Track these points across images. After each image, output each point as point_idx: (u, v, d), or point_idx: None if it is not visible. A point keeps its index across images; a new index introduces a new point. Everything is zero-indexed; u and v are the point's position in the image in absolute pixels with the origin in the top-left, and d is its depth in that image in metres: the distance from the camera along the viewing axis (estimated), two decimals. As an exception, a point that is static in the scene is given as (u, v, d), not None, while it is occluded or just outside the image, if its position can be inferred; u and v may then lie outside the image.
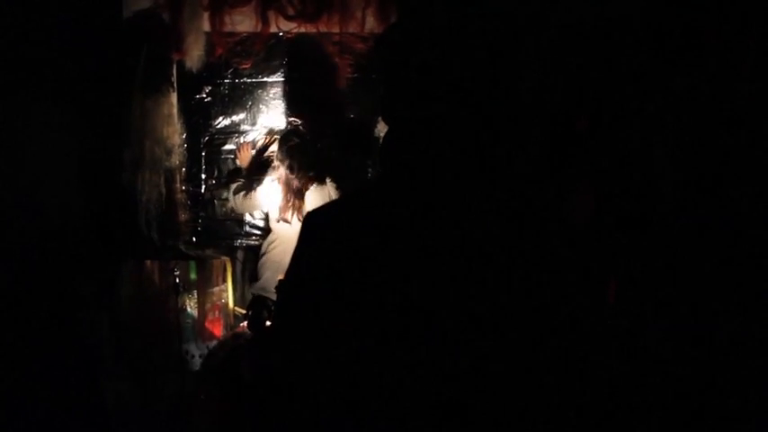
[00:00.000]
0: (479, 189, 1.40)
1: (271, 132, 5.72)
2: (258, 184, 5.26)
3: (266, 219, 5.54)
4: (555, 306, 1.36)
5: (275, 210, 5.16)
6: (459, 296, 1.33)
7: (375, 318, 1.35)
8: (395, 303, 1.34)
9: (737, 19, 2.70)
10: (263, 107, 5.73)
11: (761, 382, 2.68)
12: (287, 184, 5.06)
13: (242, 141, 5.69)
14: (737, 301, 2.75)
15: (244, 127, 5.73)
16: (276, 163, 5.16)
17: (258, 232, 5.74)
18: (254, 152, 5.63)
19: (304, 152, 5.10)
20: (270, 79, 5.72)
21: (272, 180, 5.17)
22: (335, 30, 5.50)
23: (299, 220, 5.08)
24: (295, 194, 5.07)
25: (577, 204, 3.17)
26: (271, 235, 5.26)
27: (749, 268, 2.74)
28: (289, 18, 5.36)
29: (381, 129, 5.56)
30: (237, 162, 5.59)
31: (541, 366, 1.34)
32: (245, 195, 5.25)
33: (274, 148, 5.47)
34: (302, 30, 5.52)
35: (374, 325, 1.35)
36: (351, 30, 5.49)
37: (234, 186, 5.34)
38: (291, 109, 5.73)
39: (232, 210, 5.57)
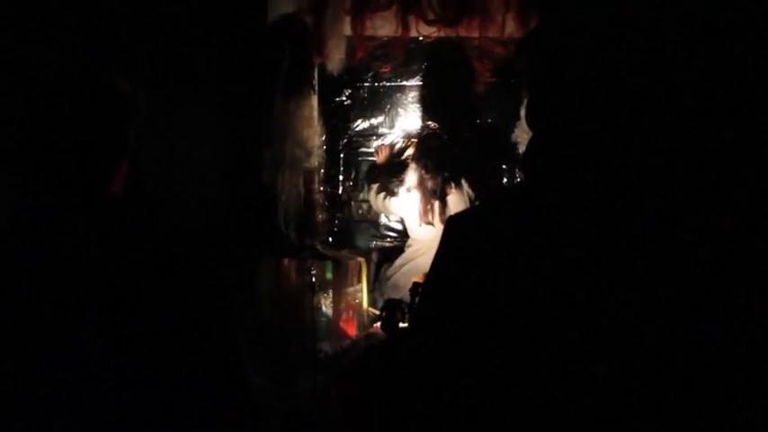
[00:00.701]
0: (626, 200, 1.35)
1: (409, 136, 5.75)
2: (397, 187, 5.31)
3: (403, 224, 5.58)
4: (703, 315, 1.31)
5: (415, 215, 5.19)
6: (604, 303, 1.29)
7: (518, 324, 1.32)
8: (537, 310, 1.31)
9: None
10: (401, 111, 5.78)
11: None
12: (423, 185, 5.09)
13: (381, 144, 5.75)
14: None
15: (382, 130, 5.79)
16: (412, 165, 5.19)
17: (393, 234, 5.79)
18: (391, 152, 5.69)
19: (442, 153, 5.13)
20: (409, 83, 5.76)
21: (408, 190, 5.21)
22: (475, 34, 5.47)
23: (441, 223, 5.10)
24: (433, 196, 5.09)
25: (722, 216, 3.04)
26: (413, 243, 5.31)
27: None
28: (429, 22, 5.37)
29: (519, 134, 5.51)
30: (377, 161, 5.66)
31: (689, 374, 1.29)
32: (385, 197, 5.32)
33: (411, 151, 5.52)
34: (442, 34, 5.53)
35: (517, 331, 1.32)
36: (490, 34, 5.44)
37: (375, 187, 5.41)
38: (429, 112, 5.75)
39: (368, 211, 5.64)
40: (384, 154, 5.62)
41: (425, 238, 5.14)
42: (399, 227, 5.76)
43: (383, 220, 5.78)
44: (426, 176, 5.09)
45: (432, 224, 5.08)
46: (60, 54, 3.19)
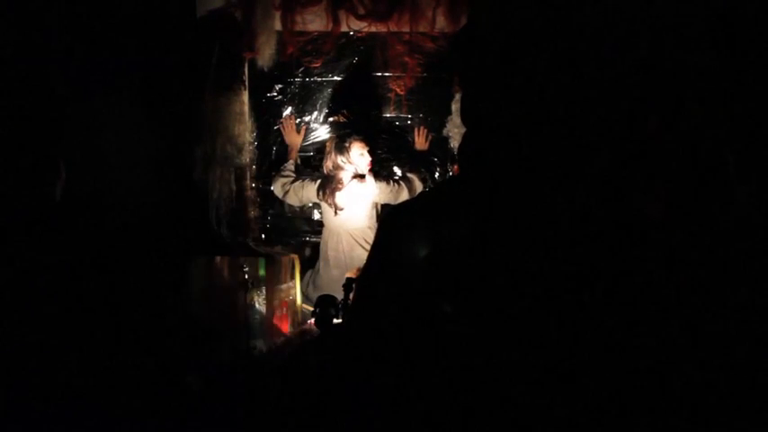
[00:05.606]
0: (560, 190, 1.38)
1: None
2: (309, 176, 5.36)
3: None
4: (635, 304, 1.34)
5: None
6: (542, 293, 1.31)
7: (456, 318, 1.33)
8: (476, 303, 1.33)
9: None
10: (332, 106, 5.76)
11: None
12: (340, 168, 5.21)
13: (285, 115, 5.74)
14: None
15: (313, 125, 5.77)
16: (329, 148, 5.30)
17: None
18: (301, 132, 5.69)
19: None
20: (340, 78, 5.75)
21: (327, 170, 5.27)
22: (406, 29, 5.49)
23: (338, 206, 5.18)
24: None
25: (648, 206, 3.10)
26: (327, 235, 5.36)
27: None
28: (359, 17, 5.37)
29: (450, 129, 5.55)
30: (284, 134, 5.66)
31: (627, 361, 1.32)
32: (302, 183, 5.32)
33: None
34: (373, 29, 5.54)
35: (455, 325, 1.33)
36: (421, 29, 5.48)
37: (285, 180, 5.44)
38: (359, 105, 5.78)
39: (301, 207, 5.63)
40: (289, 130, 5.59)
41: (338, 225, 5.25)
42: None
43: (316, 215, 5.76)
44: (346, 158, 5.15)
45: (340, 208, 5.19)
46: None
